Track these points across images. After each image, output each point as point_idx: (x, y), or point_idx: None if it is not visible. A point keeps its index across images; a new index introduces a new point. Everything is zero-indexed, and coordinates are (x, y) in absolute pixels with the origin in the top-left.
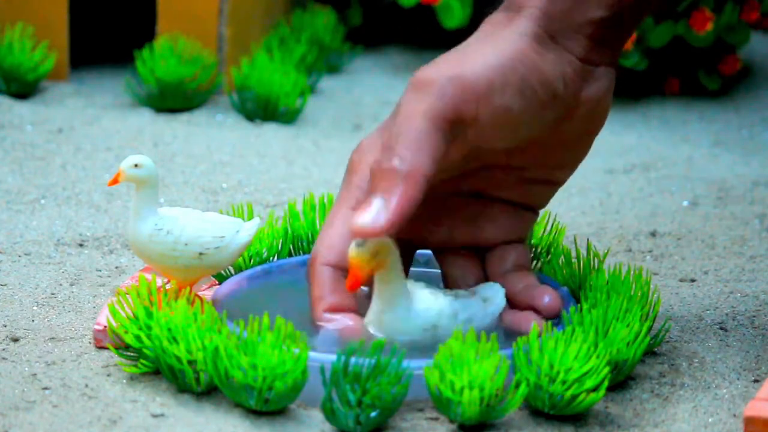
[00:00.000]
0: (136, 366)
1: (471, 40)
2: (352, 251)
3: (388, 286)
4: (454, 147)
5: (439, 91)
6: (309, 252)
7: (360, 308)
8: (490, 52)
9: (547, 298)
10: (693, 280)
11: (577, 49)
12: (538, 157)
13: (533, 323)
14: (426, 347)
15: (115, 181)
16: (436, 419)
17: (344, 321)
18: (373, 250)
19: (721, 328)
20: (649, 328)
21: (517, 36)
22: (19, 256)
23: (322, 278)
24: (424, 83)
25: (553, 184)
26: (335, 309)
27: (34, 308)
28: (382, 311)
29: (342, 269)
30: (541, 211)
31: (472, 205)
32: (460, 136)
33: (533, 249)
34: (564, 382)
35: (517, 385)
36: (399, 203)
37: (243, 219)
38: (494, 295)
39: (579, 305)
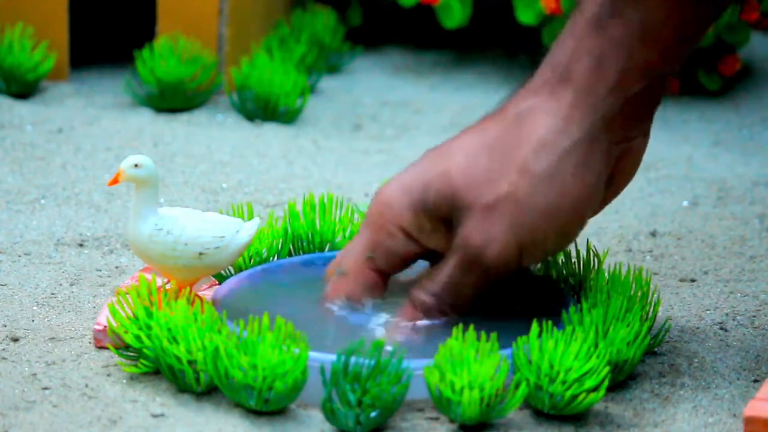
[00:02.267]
0: (136, 366)
1: (507, 125)
2: None
3: None
4: None
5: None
6: (308, 252)
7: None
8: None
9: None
10: (693, 280)
11: (620, 132)
12: None
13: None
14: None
15: (115, 181)
16: (436, 419)
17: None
18: None
19: (721, 328)
20: (649, 328)
21: (563, 139)
22: (19, 256)
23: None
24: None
25: None
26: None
27: (34, 308)
28: None
29: None
30: None
31: None
32: None
33: None
34: (564, 382)
35: (517, 385)
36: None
37: (243, 219)
38: None
39: (579, 305)
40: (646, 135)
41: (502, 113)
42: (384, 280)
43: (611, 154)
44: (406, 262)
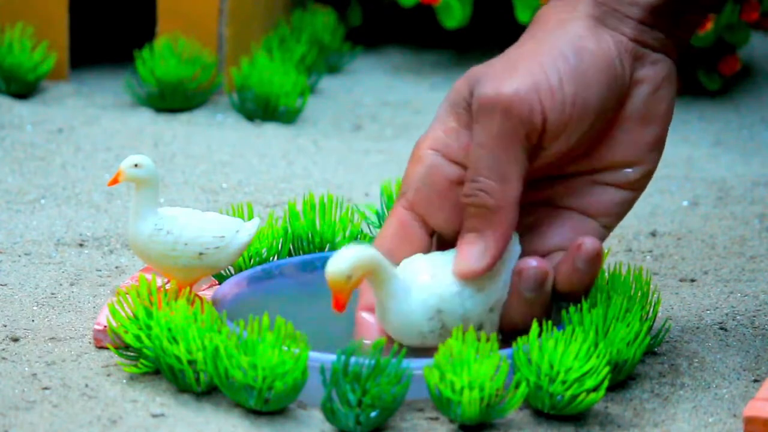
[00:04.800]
0: (136, 366)
1: (524, 37)
2: (328, 272)
3: (380, 290)
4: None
5: (505, 111)
6: (308, 252)
7: None
8: (541, 51)
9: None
10: (693, 280)
11: (627, 30)
12: (604, 156)
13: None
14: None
15: (115, 181)
16: (436, 419)
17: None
18: (348, 271)
19: (721, 328)
20: (649, 328)
21: (569, 24)
22: (19, 256)
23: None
24: (489, 106)
25: (624, 188)
26: (371, 308)
27: (34, 308)
28: (383, 313)
29: None
30: None
31: (535, 213)
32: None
33: None
34: (564, 382)
35: (517, 385)
36: (497, 240)
37: (243, 219)
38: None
39: (579, 305)
40: (668, 59)
41: None
42: None
43: (625, 46)
44: None
